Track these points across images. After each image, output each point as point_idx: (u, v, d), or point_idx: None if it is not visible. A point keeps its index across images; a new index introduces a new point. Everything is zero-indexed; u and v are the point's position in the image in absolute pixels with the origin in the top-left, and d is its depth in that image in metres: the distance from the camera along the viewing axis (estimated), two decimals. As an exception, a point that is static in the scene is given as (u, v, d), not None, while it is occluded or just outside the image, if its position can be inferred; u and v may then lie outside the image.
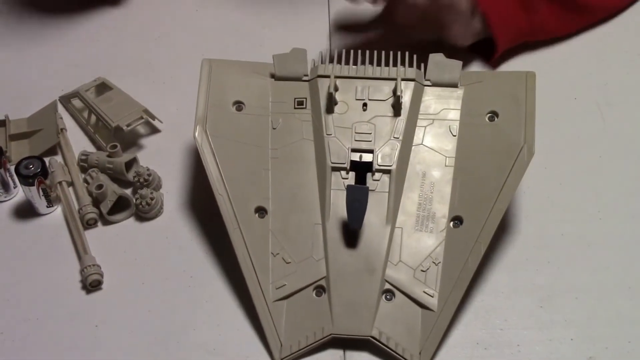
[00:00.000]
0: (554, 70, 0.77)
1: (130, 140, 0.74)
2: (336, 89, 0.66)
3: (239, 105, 0.67)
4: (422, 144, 0.65)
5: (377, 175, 0.63)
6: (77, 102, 0.76)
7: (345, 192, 0.62)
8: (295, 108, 0.67)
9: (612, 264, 0.65)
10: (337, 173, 0.64)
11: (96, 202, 0.68)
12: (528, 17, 0.71)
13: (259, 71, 0.68)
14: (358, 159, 0.64)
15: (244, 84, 0.67)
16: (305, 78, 0.68)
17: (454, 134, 0.65)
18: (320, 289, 0.61)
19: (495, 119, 0.65)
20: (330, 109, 0.66)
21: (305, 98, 0.67)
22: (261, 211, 0.64)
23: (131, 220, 0.69)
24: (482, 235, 0.61)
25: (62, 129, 0.74)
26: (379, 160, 0.64)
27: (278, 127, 0.66)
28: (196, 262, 0.66)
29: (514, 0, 0.71)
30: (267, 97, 0.68)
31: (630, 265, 0.65)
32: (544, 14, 0.72)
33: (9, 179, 0.70)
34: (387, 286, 0.61)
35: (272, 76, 0.68)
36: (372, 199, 0.62)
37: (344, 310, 0.60)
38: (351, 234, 0.62)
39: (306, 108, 0.67)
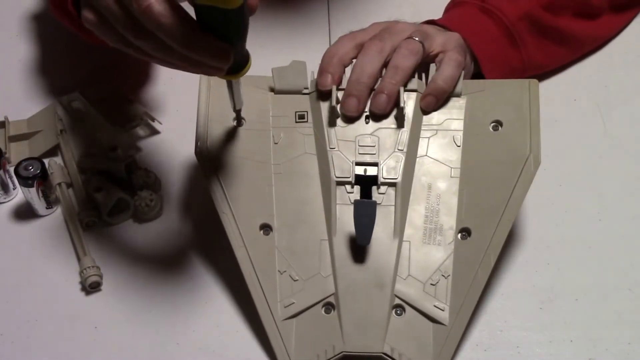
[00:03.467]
0: (554, 72, 0.77)
1: (130, 142, 0.74)
2: (338, 102, 0.64)
3: (239, 120, 0.65)
4: (426, 155, 0.64)
5: (383, 188, 0.62)
6: (76, 104, 0.76)
7: (350, 207, 0.61)
8: (296, 122, 0.65)
9: (612, 265, 0.65)
10: (342, 187, 0.62)
11: (95, 204, 0.68)
12: (518, 54, 0.72)
13: (259, 85, 0.66)
14: (363, 173, 0.62)
15: (244, 98, 0.64)
16: (305, 91, 0.66)
17: (458, 145, 0.64)
18: (329, 306, 0.60)
19: (500, 128, 0.64)
20: (332, 122, 0.64)
21: (307, 112, 0.65)
22: (266, 228, 0.62)
23: (130, 221, 0.69)
24: (491, 246, 0.60)
25: (61, 131, 0.74)
26: (384, 173, 0.62)
27: (280, 142, 0.65)
28: (195, 263, 0.66)
29: (503, 38, 0.71)
30: (267, 111, 0.66)
31: (630, 267, 0.65)
32: (532, 48, 0.72)
33: (9, 180, 0.70)
34: (397, 301, 0.60)
35: (272, 90, 0.67)
36: (378, 212, 0.61)
37: (354, 327, 0.59)
38: (359, 249, 0.61)
39: (308, 122, 0.65)
